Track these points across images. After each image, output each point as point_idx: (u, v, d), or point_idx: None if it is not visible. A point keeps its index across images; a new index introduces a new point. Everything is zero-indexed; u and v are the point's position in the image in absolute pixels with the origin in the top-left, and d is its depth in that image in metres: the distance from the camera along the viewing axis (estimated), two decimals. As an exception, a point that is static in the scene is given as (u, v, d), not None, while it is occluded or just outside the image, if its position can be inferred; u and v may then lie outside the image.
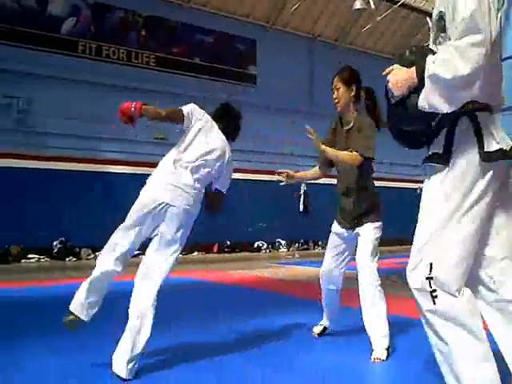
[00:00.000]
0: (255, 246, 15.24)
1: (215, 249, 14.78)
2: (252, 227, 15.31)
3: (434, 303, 1.74)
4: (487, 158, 1.81)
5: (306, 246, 16.39)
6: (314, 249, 16.55)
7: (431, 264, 1.77)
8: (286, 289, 6.08)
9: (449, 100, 1.75)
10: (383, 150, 18.80)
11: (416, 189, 20.59)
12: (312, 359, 2.98)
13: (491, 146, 1.82)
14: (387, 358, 2.90)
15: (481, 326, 1.72)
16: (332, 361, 2.95)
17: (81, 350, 3.18)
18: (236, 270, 9.08)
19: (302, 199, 16.67)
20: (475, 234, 1.80)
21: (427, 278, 1.76)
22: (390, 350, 2.97)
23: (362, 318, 3.03)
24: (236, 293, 6.21)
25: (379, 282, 3.01)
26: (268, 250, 15.39)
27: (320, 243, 16.84)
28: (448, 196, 1.82)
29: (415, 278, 1.81)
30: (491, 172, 1.82)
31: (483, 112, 1.83)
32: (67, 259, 11.85)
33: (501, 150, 1.82)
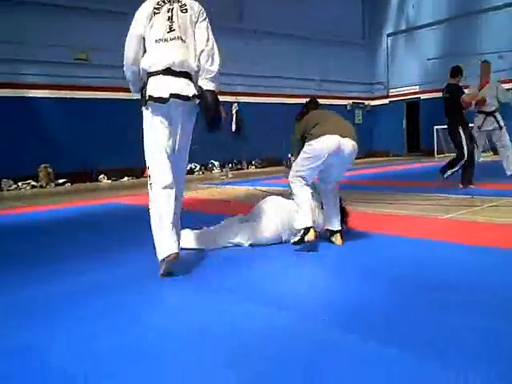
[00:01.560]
0: (188, 168, 15.09)
1: (145, 173, 14.50)
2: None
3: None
4: (143, 103, 3.18)
5: (239, 166, 16.43)
6: (247, 168, 16.63)
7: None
8: (217, 208, 6.07)
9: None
10: (313, 68, 18.79)
11: (346, 105, 20.92)
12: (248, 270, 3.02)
13: (153, 94, 3.09)
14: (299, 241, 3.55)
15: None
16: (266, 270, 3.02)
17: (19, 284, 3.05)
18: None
19: (234, 119, 16.47)
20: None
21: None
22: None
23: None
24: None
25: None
26: (201, 172, 15.31)
27: (253, 162, 16.93)
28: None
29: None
30: (154, 111, 3.13)
31: (152, 77, 3.13)
32: (-14, 191, 11.26)
33: (150, 96, 3.10)
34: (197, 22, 3.26)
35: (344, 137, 3.51)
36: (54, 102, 12.68)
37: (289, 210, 3.78)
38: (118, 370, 1.78)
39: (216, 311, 2.39)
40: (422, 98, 19.66)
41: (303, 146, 3.68)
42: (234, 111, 16.40)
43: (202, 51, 3.22)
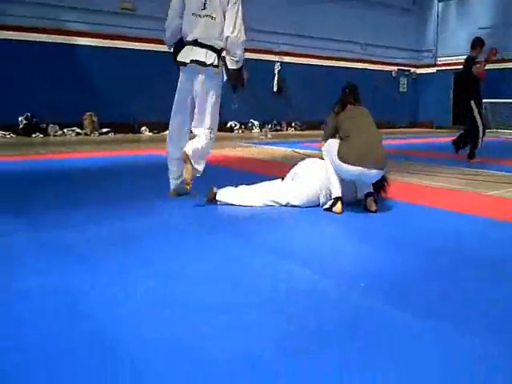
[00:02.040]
0: (228, 126, 15.12)
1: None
2: (225, 107, 15.03)
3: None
4: (175, 64, 3.99)
5: (278, 128, 16.34)
6: (287, 130, 16.54)
7: None
8: (255, 167, 6.13)
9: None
10: (359, 30, 18.23)
11: (391, 71, 20.36)
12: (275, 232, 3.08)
13: (180, 59, 3.93)
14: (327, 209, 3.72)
15: None
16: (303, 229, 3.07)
17: (61, 225, 3.19)
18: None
19: (276, 79, 16.29)
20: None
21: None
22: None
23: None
24: (205, 171, 6.24)
25: None
26: (241, 131, 15.30)
27: (293, 124, 16.81)
28: None
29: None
30: (182, 72, 4.00)
31: (186, 45, 3.95)
32: (33, 135, 11.55)
33: (177, 60, 3.95)
34: (228, 4, 3.83)
35: (369, 168, 3.56)
36: (100, 51, 12.76)
37: (326, 172, 3.81)
38: (148, 316, 1.84)
39: (250, 267, 2.46)
40: (471, 68, 18.94)
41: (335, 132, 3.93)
42: (276, 71, 16.19)
43: (228, 37, 3.83)
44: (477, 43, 7.75)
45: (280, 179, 4.14)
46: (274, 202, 3.87)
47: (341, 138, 3.82)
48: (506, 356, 1.59)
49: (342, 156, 3.63)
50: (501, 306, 2.00)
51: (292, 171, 4.13)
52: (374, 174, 3.62)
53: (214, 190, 3.92)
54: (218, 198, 3.89)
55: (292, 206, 3.84)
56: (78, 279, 2.22)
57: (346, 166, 3.60)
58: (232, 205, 3.86)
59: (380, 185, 3.96)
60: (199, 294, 2.08)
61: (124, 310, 1.90)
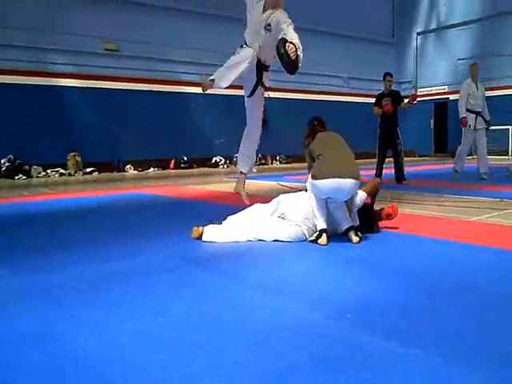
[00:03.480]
0: (213, 161, 15.18)
1: (172, 165, 14.62)
2: (209, 142, 15.15)
3: None
4: None
5: (263, 161, 16.44)
6: (271, 163, 16.63)
7: None
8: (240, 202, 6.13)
9: None
10: (341, 65, 18.55)
11: (373, 103, 20.70)
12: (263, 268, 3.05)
13: None
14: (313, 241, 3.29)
15: None
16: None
17: (44, 268, 3.13)
18: (193, 186, 9.06)
19: (259, 114, 16.43)
20: None
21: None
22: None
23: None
24: (190, 207, 6.23)
25: None
26: (226, 166, 15.36)
27: (278, 158, 16.92)
28: None
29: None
30: None
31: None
32: (16, 177, 11.46)
33: None
34: None
35: (344, 177, 3.59)
36: (83, 92, 12.85)
37: (311, 205, 3.80)
38: (137, 357, 1.80)
39: (241, 303, 2.42)
40: (450, 98, 19.36)
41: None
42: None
43: None
44: (383, 77, 8.65)
45: (261, 204, 4.19)
46: (260, 238, 3.85)
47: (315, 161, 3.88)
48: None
49: (315, 174, 3.67)
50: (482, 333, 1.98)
51: (275, 201, 4.13)
52: (351, 184, 3.62)
53: (200, 228, 3.90)
54: (204, 237, 3.87)
55: (279, 241, 3.82)
56: (59, 322, 2.16)
57: (319, 181, 3.62)
58: (218, 242, 3.83)
59: (370, 217, 3.99)
60: (181, 333, 2.03)
61: (105, 353, 1.85)
